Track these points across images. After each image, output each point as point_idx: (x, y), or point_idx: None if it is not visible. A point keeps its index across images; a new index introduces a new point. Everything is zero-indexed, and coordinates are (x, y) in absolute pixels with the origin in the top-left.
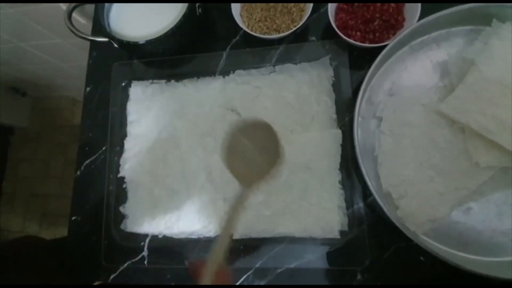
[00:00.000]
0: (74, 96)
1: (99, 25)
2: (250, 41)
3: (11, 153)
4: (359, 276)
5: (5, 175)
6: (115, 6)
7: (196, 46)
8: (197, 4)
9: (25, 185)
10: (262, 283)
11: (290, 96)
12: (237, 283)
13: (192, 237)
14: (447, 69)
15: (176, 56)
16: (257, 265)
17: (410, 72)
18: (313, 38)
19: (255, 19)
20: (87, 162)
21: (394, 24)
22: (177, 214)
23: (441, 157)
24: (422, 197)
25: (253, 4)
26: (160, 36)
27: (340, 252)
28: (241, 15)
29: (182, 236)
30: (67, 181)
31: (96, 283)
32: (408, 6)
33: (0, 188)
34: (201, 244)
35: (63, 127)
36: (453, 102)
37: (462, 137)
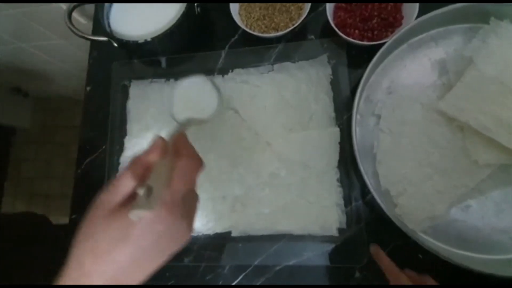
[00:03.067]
0: (76, 97)
1: (99, 25)
2: (249, 39)
3: (13, 153)
4: (357, 274)
5: (7, 175)
6: (115, 6)
7: (195, 45)
8: (195, 4)
9: (27, 185)
10: (261, 280)
11: (289, 95)
12: (236, 281)
13: (191, 234)
14: (446, 67)
15: (176, 55)
16: (255, 263)
17: (409, 70)
18: (312, 36)
19: (253, 18)
20: (87, 161)
21: (392, 22)
22: None
23: (439, 155)
24: (420, 195)
25: (252, 3)
26: (159, 35)
27: (339, 249)
28: (239, 14)
29: None
30: (69, 181)
31: None
32: (406, 4)
33: (2, 189)
34: (200, 242)
35: (64, 127)
36: (451, 100)
37: (460, 135)
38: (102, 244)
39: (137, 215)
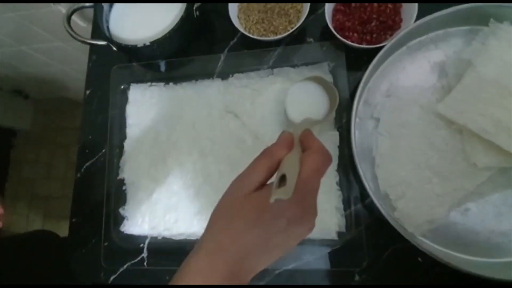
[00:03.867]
0: (76, 99)
1: (99, 29)
2: (247, 43)
3: (14, 155)
4: (357, 277)
5: (8, 177)
6: (114, 10)
7: (194, 48)
8: (194, 7)
9: (28, 187)
10: (261, 284)
11: None
12: None
13: (191, 238)
14: (445, 70)
15: (175, 59)
16: None
17: (408, 73)
18: (311, 39)
19: (252, 21)
20: (87, 164)
21: (391, 25)
22: (176, 216)
23: (438, 158)
24: (420, 198)
25: (250, 6)
26: (158, 39)
27: (338, 253)
28: (238, 17)
29: (181, 237)
30: (69, 182)
31: None
32: (405, 6)
33: (3, 190)
34: None
35: (65, 129)
36: (450, 103)
37: (459, 138)
38: (238, 223)
39: (274, 199)
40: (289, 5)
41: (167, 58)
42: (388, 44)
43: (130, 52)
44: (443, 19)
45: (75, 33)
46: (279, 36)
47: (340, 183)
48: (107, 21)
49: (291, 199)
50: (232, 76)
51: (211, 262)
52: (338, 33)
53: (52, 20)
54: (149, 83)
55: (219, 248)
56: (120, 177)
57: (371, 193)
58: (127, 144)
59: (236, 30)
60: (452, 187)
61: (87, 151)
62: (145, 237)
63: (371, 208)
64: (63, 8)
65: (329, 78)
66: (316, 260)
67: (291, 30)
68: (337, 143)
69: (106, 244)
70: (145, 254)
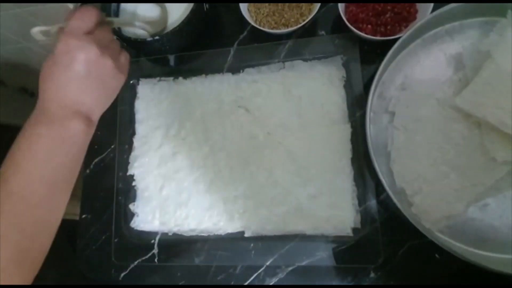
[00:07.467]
0: None
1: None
2: (258, 36)
3: None
4: (372, 274)
5: None
6: (123, 4)
7: (204, 42)
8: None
9: None
10: (273, 280)
11: (300, 93)
12: (248, 281)
13: (202, 234)
14: (462, 62)
15: (184, 53)
16: (268, 263)
17: (423, 66)
18: (323, 32)
19: (263, 14)
20: (96, 160)
21: (406, 16)
22: (187, 212)
23: (456, 153)
24: (437, 194)
25: None
26: (167, 32)
27: (353, 249)
28: (248, 10)
29: (192, 233)
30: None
31: None
32: None
33: None
34: (211, 242)
35: None
36: (468, 95)
37: (478, 131)
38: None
39: None
40: None
41: (177, 53)
42: (403, 36)
43: (139, 47)
44: (459, 10)
45: None
46: (290, 29)
47: (354, 179)
48: (117, 15)
49: None
50: (243, 71)
51: None
52: (351, 25)
53: (59, 17)
54: (158, 78)
55: None
56: (129, 173)
57: (387, 188)
58: (136, 140)
59: (246, 23)
60: (470, 182)
61: (96, 147)
62: (155, 233)
63: (387, 204)
64: (70, 4)
65: (341, 72)
66: (330, 257)
67: (303, 23)
68: (349, 136)
69: (116, 240)
70: (156, 251)
